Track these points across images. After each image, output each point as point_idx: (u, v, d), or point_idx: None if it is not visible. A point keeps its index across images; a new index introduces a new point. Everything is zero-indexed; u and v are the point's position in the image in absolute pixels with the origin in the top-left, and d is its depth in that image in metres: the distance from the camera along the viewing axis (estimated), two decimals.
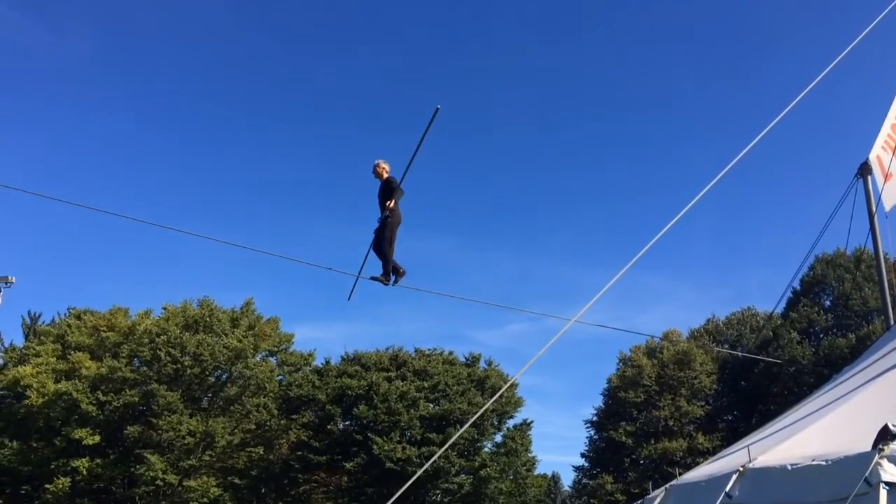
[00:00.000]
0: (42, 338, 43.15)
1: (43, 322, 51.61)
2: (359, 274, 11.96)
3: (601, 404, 51.56)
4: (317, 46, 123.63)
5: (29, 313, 52.79)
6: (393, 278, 12.10)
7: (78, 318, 43.02)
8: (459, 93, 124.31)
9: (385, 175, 12.08)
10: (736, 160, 9.43)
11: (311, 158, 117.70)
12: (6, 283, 46.27)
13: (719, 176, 9.29)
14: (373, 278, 12.08)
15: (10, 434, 38.78)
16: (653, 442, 46.33)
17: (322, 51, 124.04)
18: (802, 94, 10.05)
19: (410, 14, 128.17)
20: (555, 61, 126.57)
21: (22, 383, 37.36)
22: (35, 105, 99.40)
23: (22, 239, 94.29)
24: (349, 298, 12.09)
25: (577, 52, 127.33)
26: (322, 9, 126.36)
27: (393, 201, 11.75)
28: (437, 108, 10.40)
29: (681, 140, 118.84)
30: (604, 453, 49.88)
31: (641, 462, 47.55)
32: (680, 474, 11.42)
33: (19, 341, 49.42)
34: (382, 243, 11.95)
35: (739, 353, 43.85)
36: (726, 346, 49.13)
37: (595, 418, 51.47)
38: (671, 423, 46.83)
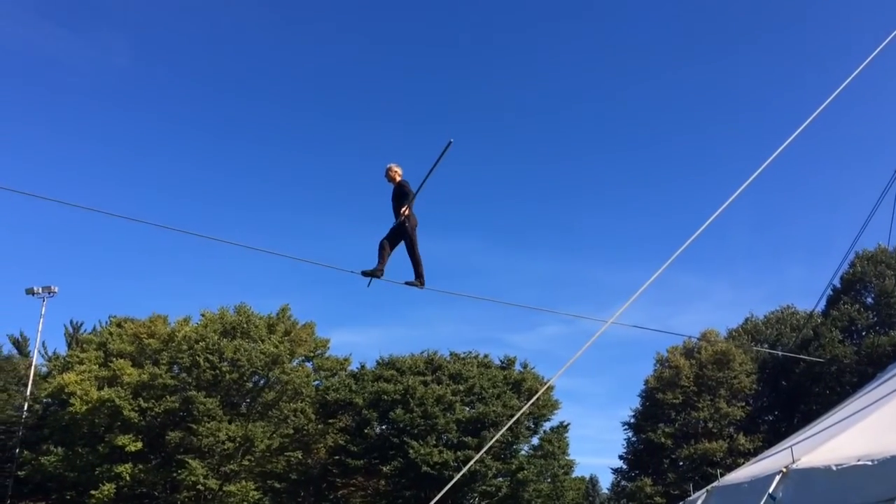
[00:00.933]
0: (84, 346, 43.97)
1: (85, 330, 52.71)
2: (357, 269, 11.91)
3: (638, 406, 51.04)
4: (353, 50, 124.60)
5: (71, 322, 53.99)
6: (374, 276, 11.93)
7: (119, 325, 43.78)
8: (493, 96, 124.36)
9: (398, 178, 12.10)
10: (773, 157, 9.32)
11: (337, 162, 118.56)
12: (49, 293, 47.52)
13: (756, 173, 9.20)
14: (407, 283, 12.09)
15: (55, 440, 39.54)
16: (692, 443, 45.72)
17: (362, 56, 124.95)
18: (837, 91, 9.91)
19: (433, 5, 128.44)
20: (585, 59, 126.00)
21: (66, 391, 38.09)
22: (75, 115, 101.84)
23: (63, 249, 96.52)
24: (368, 285, 12.01)
25: (610, 49, 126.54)
26: (348, 9, 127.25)
27: (407, 207, 11.74)
28: (450, 142, 10.45)
29: (717, 138, 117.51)
30: (642, 455, 49.35)
31: (681, 464, 46.95)
32: (721, 475, 11.30)
33: (62, 349, 50.62)
34: (411, 249, 12.01)
35: (779, 353, 43.09)
36: (766, 346, 48.33)
37: (632, 420, 50.95)
38: (710, 424, 46.18)
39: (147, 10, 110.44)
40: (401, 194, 11.92)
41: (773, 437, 37.58)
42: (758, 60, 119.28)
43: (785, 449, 9.14)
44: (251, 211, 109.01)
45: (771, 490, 7.54)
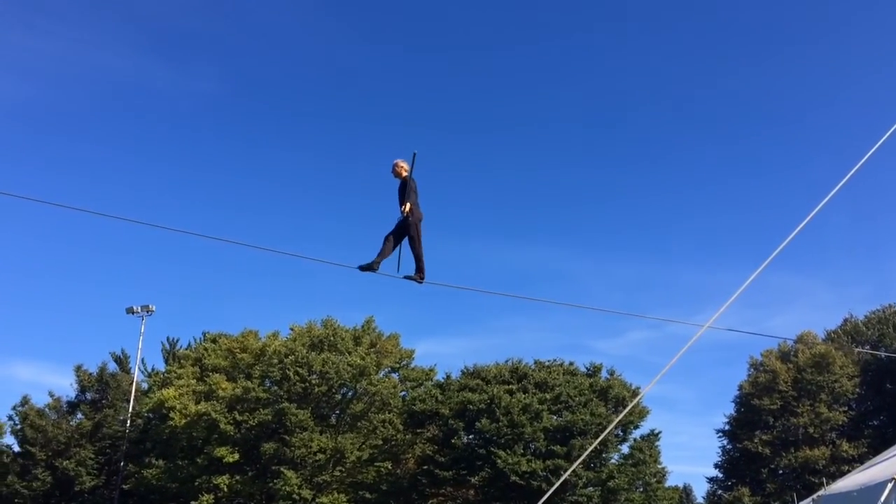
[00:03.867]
0: (182, 361, 45.71)
1: (181, 347, 54.80)
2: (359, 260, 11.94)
3: (733, 412, 49.47)
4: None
5: (168, 339, 56.26)
6: (370, 270, 11.96)
7: (213, 341, 45.32)
8: (570, 96, 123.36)
9: (403, 174, 12.13)
10: (875, 147, 8.89)
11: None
12: (147, 312, 49.64)
13: (858, 165, 8.79)
14: (407, 277, 12.10)
15: (157, 453, 41.24)
16: (792, 451, 43.98)
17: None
18: None
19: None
20: (665, 52, 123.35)
21: (166, 405, 39.67)
22: (165, 140, 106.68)
23: (160, 270, 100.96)
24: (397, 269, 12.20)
25: (701, 40, 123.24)
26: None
27: (408, 204, 11.80)
28: (414, 154, 10.90)
29: (812, 127, 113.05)
30: (739, 463, 47.75)
31: (780, 472, 45.24)
32: (826, 485, 10.82)
33: (160, 365, 52.80)
34: (413, 244, 12.06)
35: (883, 354, 41.12)
36: (867, 347, 46.19)
37: (727, 427, 49.40)
38: (811, 430, 44.30)
39: (232, 38, 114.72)
40: (404, 190, 12.00)
41: (880, 443, 35.83)
42: (858, 44, 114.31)
43: (895, 456, 8.69)
44: (336, 225, 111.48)
45: (882, 499, 7.19)
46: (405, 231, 12.06)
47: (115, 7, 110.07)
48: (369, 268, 11.87)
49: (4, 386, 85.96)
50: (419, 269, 12.17)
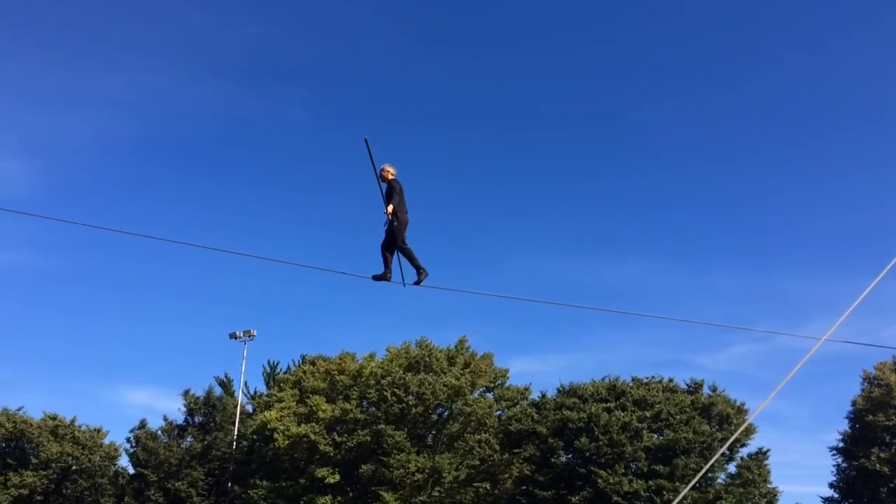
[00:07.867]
0: (282, 384, 47.00)
1: (280, 370, 56.36)
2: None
3: (847, 429, 46.84)
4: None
5: (269, 362, 57.98)
6: (416, 278, 12.48)
7: (312, 363, 46.43)
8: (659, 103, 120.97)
9: (389, 178, 12.38)
10: None
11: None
12: (249, 337, 51.35)
13: None
14: (374, 277, 12.37)
15: (261, 474, 42.39)
16: None
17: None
18: None
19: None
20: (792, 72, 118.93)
21: (269, 427, 40.81)
22: (258, 168, 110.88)
23: (260, 295, 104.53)
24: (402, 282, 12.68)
25: (815, 63, 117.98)
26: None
27: (391, 206, 12.02)
28: (366, 140, 11.26)
29: None
30: (856, 483, 45.07)
31: None
32: None
33: (262, 388, 54.41)
34: (392, 245, 12.36)
35: None
36: None
37: (841, 445, 46.80)
38: None
39: (322, 66, 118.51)
40: (389, 193, 12.25)
41: None
42: None
43: None
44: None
45: None
46: (392, 237, 12.33)
47: (208, 41, 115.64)
48: (382, 278, 12.38)
49: (120, 411, 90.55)
50: (418, 269, 12.45)
